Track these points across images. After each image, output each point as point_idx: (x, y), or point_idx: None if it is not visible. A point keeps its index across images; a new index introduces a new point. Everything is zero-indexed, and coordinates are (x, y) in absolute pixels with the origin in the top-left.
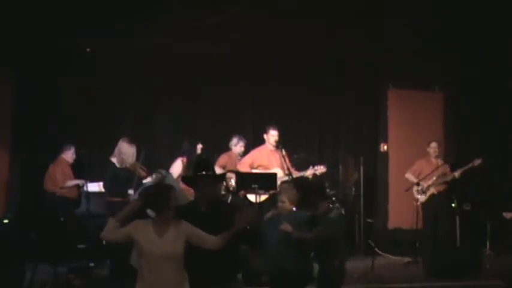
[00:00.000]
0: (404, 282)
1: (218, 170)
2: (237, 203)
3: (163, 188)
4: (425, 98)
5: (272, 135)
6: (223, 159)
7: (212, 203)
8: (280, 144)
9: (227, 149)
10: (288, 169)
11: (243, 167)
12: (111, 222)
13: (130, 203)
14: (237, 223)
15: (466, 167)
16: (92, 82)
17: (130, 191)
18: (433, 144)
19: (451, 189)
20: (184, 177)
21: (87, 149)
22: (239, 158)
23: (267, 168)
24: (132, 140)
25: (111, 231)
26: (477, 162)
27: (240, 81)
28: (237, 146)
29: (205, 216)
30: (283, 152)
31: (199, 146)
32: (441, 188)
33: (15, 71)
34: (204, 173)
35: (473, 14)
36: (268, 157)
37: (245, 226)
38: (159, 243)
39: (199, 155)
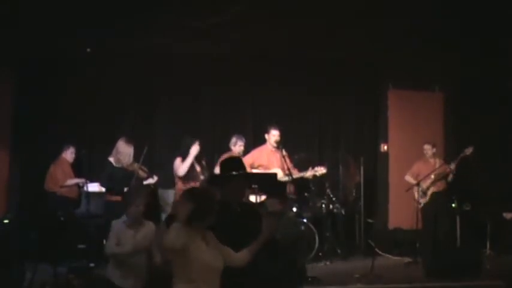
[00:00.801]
0: (404, 283)
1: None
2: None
3: (212, 193)
4: (425, 98)
5: (273, 135)
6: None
7: (243, 205)
8: (281, 145)
9: (227, 149)
10: (288, 169)
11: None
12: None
13: (180, 205)
14: (265, 232)
15: (458, 158)
16: (92, 82)
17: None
18: (426, 146)
19: (451, 189)
20: (214, 176)
21: (88, 149)
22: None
23: (267, 168)
24: (129, 140)
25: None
26: (469, 151)
27: (240, 81)
28: (236, 145)
29: (240, 217)
30: (284, 152)
31: (197, 145)
32: (441, 187)
33: (15, 71)
34: (238, 172)
35: (473, 14)
36: (268, 157)
37: (270, 235)
38: (211, 254)
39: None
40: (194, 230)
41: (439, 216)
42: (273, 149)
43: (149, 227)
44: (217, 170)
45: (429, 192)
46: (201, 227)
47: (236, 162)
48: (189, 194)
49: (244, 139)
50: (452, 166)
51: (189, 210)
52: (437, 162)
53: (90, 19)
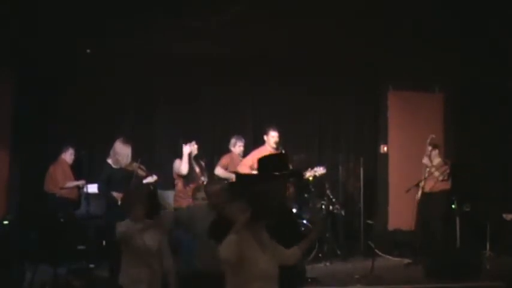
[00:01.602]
0: (404, 284)
1: (221, 170)
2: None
3: (268, 193)
4: (425, 99)
5: (272, 137)
6: (225, 160)
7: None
8: (280, 146)
9: (227, 149)
10: None
11: (243, 168)
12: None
13: (234, 210)
14: (316, 231)
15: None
16: (92, 82)
17: None
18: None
19: (448, 190)
20: (271, 175)
21: (88, 150)
22: (240, 158)
23: None
24: (127, 140)
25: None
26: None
27: (240, 81)
28: (235, 146)
29: (295, 217)
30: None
31: (194, 146)
32: (438, 187)
33: (15, 71)
34: (282, 171)
35: (473, 14)
36: None
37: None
38: (268, 260)
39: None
40: (250, 236)
41: (432, 217)
42: (273, 150)
43: (156, 226)
44: (218, 171)
45: (422, 185)
46: (259, 230)
47: (279, 160)
48: (244, 197)
49: (243, 140)
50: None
51: (247, 216)
52: (434, 162)
53: (90, 19)
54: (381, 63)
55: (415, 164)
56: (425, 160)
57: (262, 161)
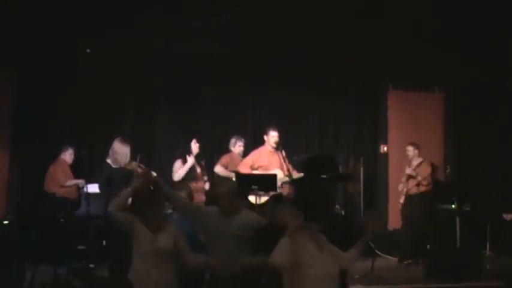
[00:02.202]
0: (404, 284)
1: (221, 169)
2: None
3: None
4: (425, 99)
5: (272, 137)
6: (225, 159)
7: None
8: (280, 146)
9: (227, 149)
10: (288, 170)
11: (244, 168)
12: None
13: (286, 215)
14: (369, 232)
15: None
16: (92, 82)
17: None
18: (408, 147)
19: (428, 191)
20: (325, 178)
21: (87, 150)
22: (240, 158)
23: (267, 169)
24: (125, 139)
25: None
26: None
27: (240, 81)
28: (235, 146)
29: (346, 220)
30: (283, 153)
31: (196, 144)
32: (419, 189)
33: (15, 71)
34: (331, 174)
35: (473, 14)
36: (268, 158)
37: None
38: (326, 260)
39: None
40: (306, 240)
41: (414, 217)
42: (272, 150)
43: (172, 228)
44: (218, 170)
45: (405, 191)
46: (314, 233)
47: (329, 163)
48: (296, 200)
49: (243, 139)
50: (409, 170)
51: (299, 220)
52: (416, 163)
53: (90, 20)
54: (381, 63)
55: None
56: (409, 170)
57: (311, 163)
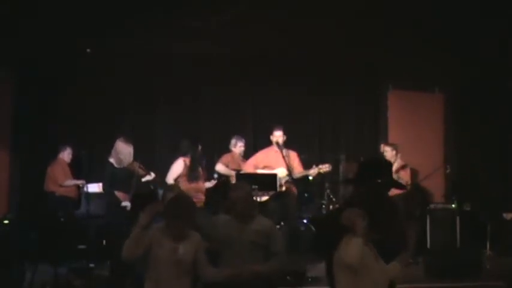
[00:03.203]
0: (404, 283)
1: (222, 168)
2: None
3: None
4: (426, 99)
5: (275, 136)
6: (226, 158)
7: None
8: (282, 144)
9: (227, 149)
10: (289, 169)
11: (248, 167)
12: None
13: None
14: (412, 245)
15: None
16: (92, 82)
17: None
18: (386, 148)
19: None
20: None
21: (88, 149)
22: (241, 158)
23: (271, 168)
24: (128, 139)
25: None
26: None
27: (240, 81)
28: (236, 146)
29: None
30: (285, 152)
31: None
32: (393, 192)
33: (15, 71)
34: (383, 178)
35: (473, 14)
36: (273, 157)
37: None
38: (380, 267)
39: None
40: (365, 244)
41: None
42: (278, 150)
43: (194, 238)
44: (219, 168)
45: None
46: (368, 239)
47: (384, 167)
48: (365, 203)
49: (244, 140)
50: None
51: (366, 221)
52: (396, 166)
53: (90, 19)
54: (381, 63)
55: (414, 163)
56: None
57: (366, 167)
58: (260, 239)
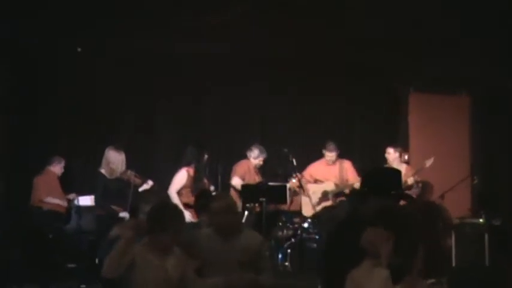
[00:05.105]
0: None
1: (238, 181)
2: None
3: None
4: (451, 102)
5: (327, 156)
6: (241, 168)
7: None
8: (332, 158)
9: (232, 155)
10: (341, 182)
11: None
12: None
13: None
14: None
15: (417, 171)
16: (85, 86)
17: None
18: (388, 149)
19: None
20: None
21: (78, 159)
22: (257, 171)
23: (322, 182)
24: (119, 147)
25: None
26: (428, 163)
27: (248, 82)
28: (257, 158)
29: None
30: (338, 164)
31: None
32: None
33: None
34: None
35: (501, 12)
36: (324, 170)
37: None
38: None
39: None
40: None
41: None
42: (329, 163)
43: (180, 255)
44: (236, 182)
45: None
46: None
47: (396, 177)
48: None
49: (266, 153)
50: (411, 180)
51: (390, 244)
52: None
53: (90, 19)
54: (400, 62)
55: (439, 174)
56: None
57: (375, 177)
58: (248, 257)
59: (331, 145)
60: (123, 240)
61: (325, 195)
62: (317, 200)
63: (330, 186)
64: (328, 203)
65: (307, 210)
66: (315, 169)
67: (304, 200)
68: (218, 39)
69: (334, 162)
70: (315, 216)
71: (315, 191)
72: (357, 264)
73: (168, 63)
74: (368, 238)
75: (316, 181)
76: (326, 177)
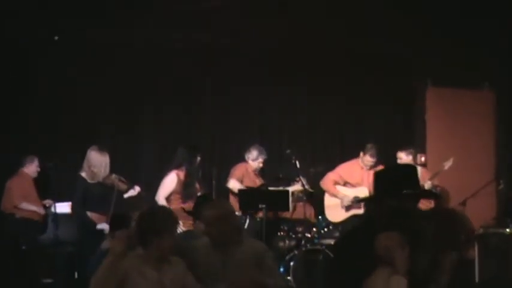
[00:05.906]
0: None
1: (237, 184)
2: None
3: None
4: (473, 97)
5: (366, 160)
6: (239, 170)
7: None
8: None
9: (229, 157)
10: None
11: (327, 184)
12: None
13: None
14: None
15: (435, 174)
16: (62, 80)
17: None
18: (399, 154)
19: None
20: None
21: (56, 161)
22: (257, 174)
23: (354, 186)
24: (102, 148)
25: None
26: (447, 165)
27: (248, 78)
28: (256, 160)
29: None
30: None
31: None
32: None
33: None
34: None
35: None
36: (358, 174)
37: None
38: None
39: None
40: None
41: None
42: (364, 166)
43: (178, 265)
44: (233, 185)
45: None
46: None
47: (413, 175)
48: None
49: (265, 154)
50: (428, 184)
51: (406, 252)
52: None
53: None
54: (417, 53)
55: (460, 178)
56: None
57: (385, 177)
58: (249, 271)
59: (373, 149)
60: (111, 257)
61: (357, 202)
62: (345, 205)
63: (363, 192)
64: (360, 211)
65: (333, 215)
66: (347, 171)
67: (329, 202)
68: (219, 36)
69: (371, 168)
70: (341, 223)
71: (344, 195)
72: (369, 273)
73: (155, 57)
74: (382, 244)
75: (345, 184)
76: (359, 182)
